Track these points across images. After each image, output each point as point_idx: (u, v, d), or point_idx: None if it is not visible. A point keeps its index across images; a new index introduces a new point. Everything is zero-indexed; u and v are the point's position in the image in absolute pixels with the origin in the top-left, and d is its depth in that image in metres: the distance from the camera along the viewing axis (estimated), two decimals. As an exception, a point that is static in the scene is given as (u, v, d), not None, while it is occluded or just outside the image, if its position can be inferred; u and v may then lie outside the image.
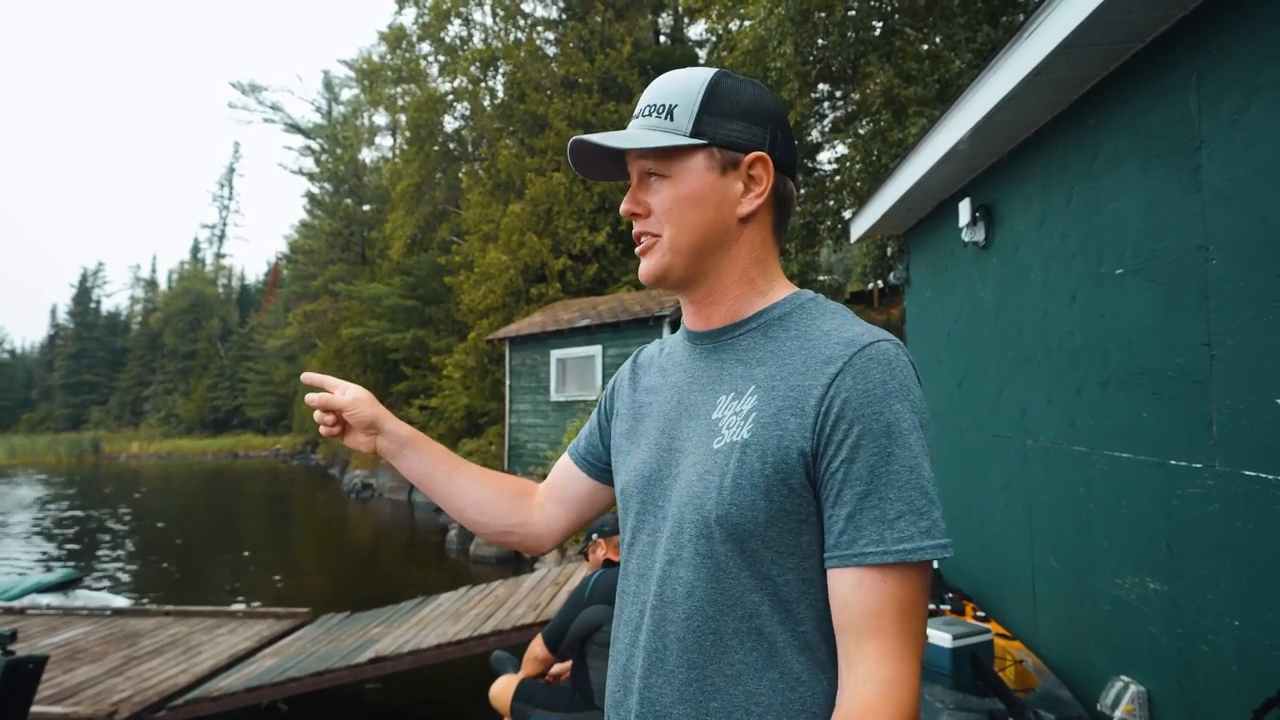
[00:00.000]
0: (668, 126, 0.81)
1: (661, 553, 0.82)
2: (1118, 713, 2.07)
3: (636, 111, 0.85)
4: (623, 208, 0.86)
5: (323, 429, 1.01)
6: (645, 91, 0.85)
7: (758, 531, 0.75)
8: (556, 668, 2.81)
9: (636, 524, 0.88)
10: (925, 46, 8.26)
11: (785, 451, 0.74)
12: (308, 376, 1.04)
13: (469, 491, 1.02)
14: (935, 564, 3.44)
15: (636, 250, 0.87)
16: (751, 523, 0.75)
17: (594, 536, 2.77)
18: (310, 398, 1.00)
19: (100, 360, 55.46)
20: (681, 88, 0.82)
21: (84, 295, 58.74)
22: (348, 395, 1.01)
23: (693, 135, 0.80)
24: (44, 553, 11.38)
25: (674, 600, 0.79)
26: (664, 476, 0.85)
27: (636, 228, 0.85)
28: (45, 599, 6.98)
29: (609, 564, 2.70)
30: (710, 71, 0.83)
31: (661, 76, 0.85)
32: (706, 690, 0.76)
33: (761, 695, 0.75)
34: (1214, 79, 1.80)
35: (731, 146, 0.81)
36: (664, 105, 0.82)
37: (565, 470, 1.06)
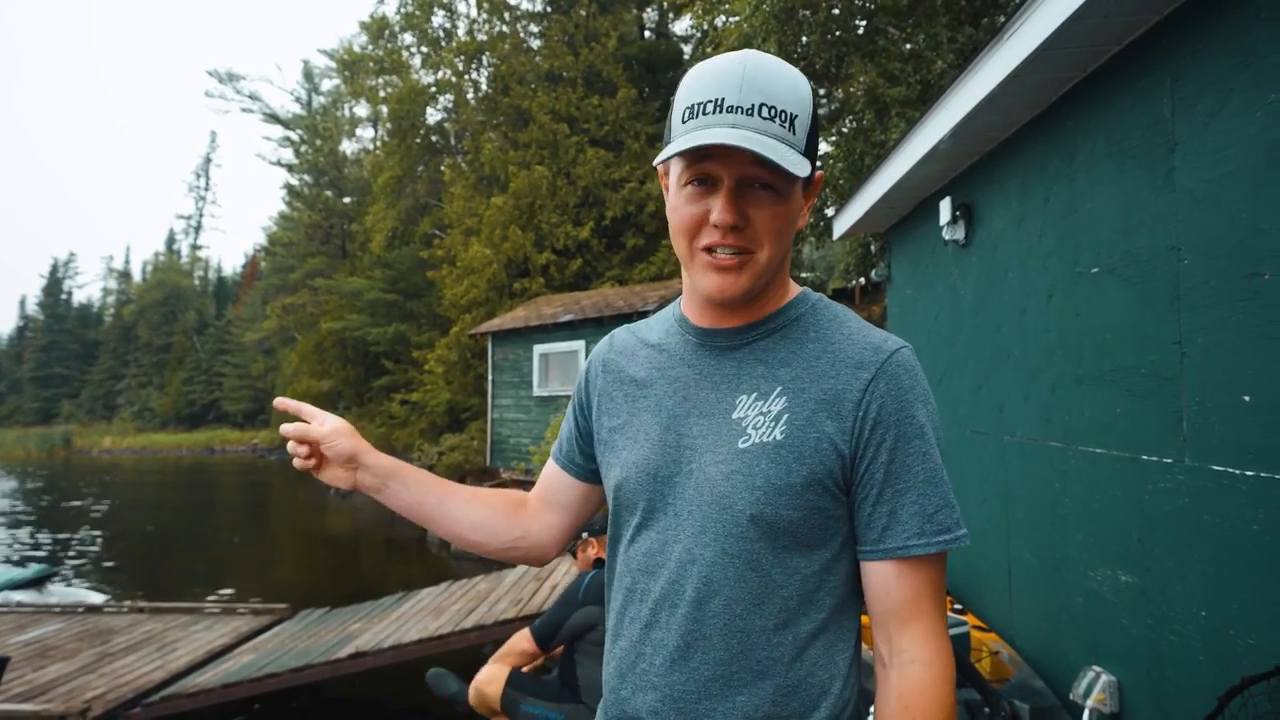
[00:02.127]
0: (791, 140, 0.75)
1: (680, 551, 0.81)
2: (1089, 702, 2.11)
3: (743, 103, 0.74)
4: (725, 217, 0.75)
5: (296, 462, 0.94)
6: (745, 76, 0.74)
7: (790, 529, 0.78)
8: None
9: (642, 521, 0.86)
10: (908, 46, 8.32)
11: (823, 453, 0.77)
12: (281, 402, 0.97)
13: (463, 514, 0.98)
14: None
15: (717, 262, 0.78)
16: (786, 520, 0.78)
17: (584, 535, 2.77)
18: (285, 428, 0.94)
19: (71, 353, 54.37)
20: (795, 95, 0.76)
21: (54, 286, 57.53)
22: (326, 426, 0.93)
23: (805, 154, 0.77)
24: (16, 548, 11.16)
25: (698, 598, 0.79)
26: (674, 474, 0.83)
27: (727, 239, 0.77)
28: (18, 595, 6.85)
29: (599, 563, 2.69)
30: (804, 78, 0.78)
31: (761, 62, 0.76)
32: (734, 685, 0.78)
33: (788, 687, 0.79)
34: (1188, 83, 1.83)
35: (815, 167, 0.81)
36: (786, 112, 0.75)
37: (554, 476, 1.03)
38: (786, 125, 0.74)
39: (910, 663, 0.77)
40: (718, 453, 0.80)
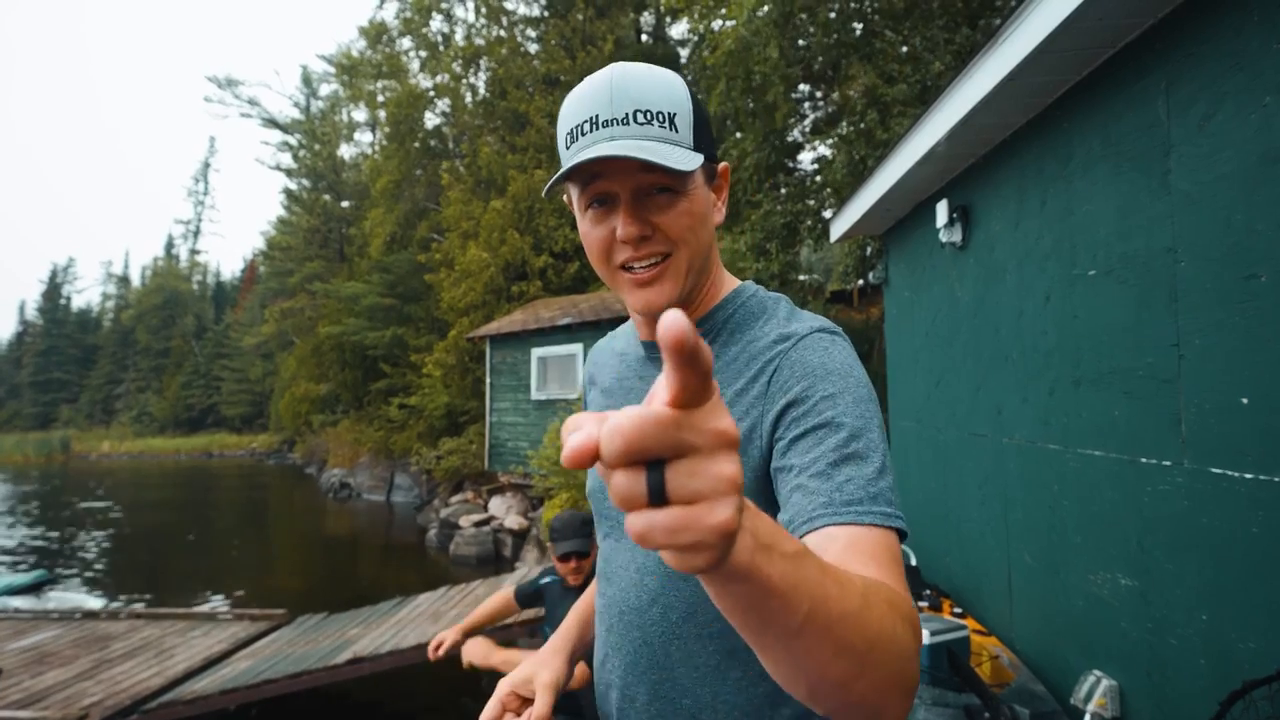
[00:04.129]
0: (675, 139, 0.75)
1: (626, 559, 0.85)
2: (1090, 706, 2.11)
3: (616, 114, 0.74)
4: (630, 230, 0.75)
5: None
6: (613, 88, 0.75)
7: None
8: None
9: (602, 528, 0.92)
10: (905, 48, 8.34)
11: (743, 454, 0.75)
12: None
13: None
14: (913, 561, 3.41)
15: (637, 278, 0.78)
16: None
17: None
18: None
19: (70, 358, 54.31)
20: (671, 94, 0.76)
21: (54, 291, 57.47)
22: (549, 694, 0.92)
23: (695, 148, 0.76)
24: (14, 554, 11.12)
25: (640, 606, 0.82)
26: None
27: (640, 251, 0.76)
28: (15, 601, 6.83)
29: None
30: (676, 75, 0.78)
31: (625, 71, 0.76)
32: (678, 689, 0.79)
33: (727, 694, 0.78)
34: (1182, 85, 1.83)
35: (712, 159, 0.81)
36: (663, 113, 0.74)
37: None
38: (666, 124, 0.74)
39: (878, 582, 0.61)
40: None
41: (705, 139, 0.78)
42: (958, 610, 3.13)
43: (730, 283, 0.87)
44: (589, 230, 0.79)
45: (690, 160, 0.73)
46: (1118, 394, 2.11)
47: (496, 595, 2.71)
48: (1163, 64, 1.91)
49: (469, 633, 2.58)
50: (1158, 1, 1.85)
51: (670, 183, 0.75)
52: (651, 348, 0.88)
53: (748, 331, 0.81)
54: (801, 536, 0.65)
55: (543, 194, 0.78)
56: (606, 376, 0.96)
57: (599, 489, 0.92)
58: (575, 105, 0.76)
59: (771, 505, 0.74)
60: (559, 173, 0.75)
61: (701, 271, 0.82)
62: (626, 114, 0.74)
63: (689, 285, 0.80)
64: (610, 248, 0.78)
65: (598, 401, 0.96)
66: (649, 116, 0.74)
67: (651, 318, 0.82)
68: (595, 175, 0.75)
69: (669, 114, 0.75)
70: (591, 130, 0.74)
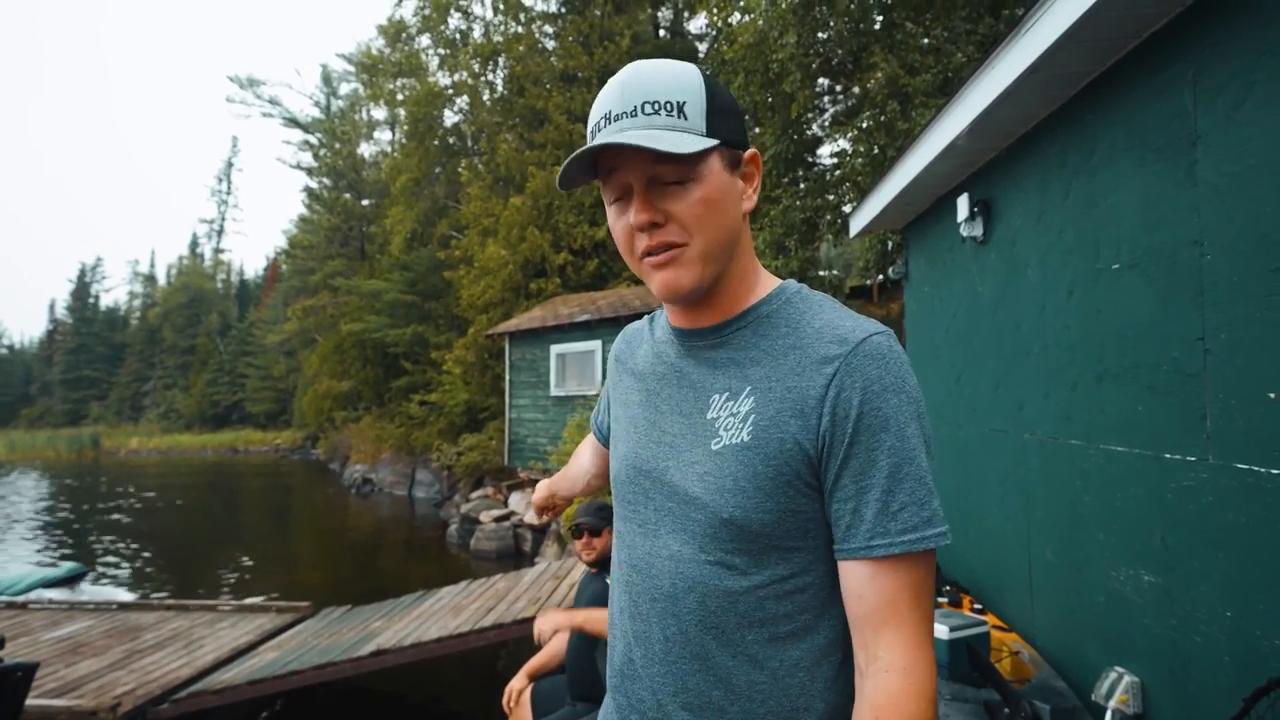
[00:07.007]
0: (684, 126, 0.76)
1: (660, 547, 0.84)
2: (1112, 703, 2.09)
3: (625, 108, 0.76)
4: (640, 218, 0.77)
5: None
6: (623, 84, 0.77)
7: (765, 531, 0.77)
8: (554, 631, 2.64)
9: (627, 514, 0.90)
10: (926, 40, 8.24)
11: (788, 454, 0.76)
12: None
13: (593, 484, 1.34)
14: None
15: (650, 262, 0.80)
16: (758, 524, 0.76)
17: (584, 535, 2.69)
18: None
19: (99, 355, 55.45)
20: (680, 83, 0.77)
21: (82, 290, 58.70)
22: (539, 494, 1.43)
23: (709, 134, 0.77)
24: (49, 548, 11.41)
25: (675, 594, 0.81)
26: (652, 471, 0.86)
27: (654, 239, 0.78)
28: (50, 593, 7.01)
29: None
30: (691, 67, 0.80)
31: (638, 68, 0.78)
32: (710, 679, 0.79)
33: (762, 684, 0.78)
34: (1210, 74, 1.81)
35: (734, 144, 0.81)
36: (670, 102, 0.76)
37: (592, 434, 1.25)
38: (674, 113, 0.76)
39: (884, 671, 0.72)
40: (694, 453, 0.82)
41: (725, 125, 0.79)
42: (978, 606, 3.11)
43: (770, 280, 0.88)
44: (613, 223, 0.83)
45: (691, 143, 0.74)
46: (1142, 389, 2.08)
47: (555, 639, 2.79)
48: (1190, 52, 1.88)
49: (533, 676, 2.68)
50: (1184, -10, 1.82)
51: (682, 173, 0.77)
52: (684, 334, 0.88)
53: (797, 324, 0.82)
54: (857, 559, 0.75)
55: (557, 187, 0.82)
56: (640, 361, 0.96)
57: (625, 475, 0.90)
58: (596, 106, 0.80)
59: (779, 500, 0.77)
60: (565, 161, 0.78)
61: (726, 259, 0.82)
62: (635, 106, 0.76)
63: (709, 273, 0.81)
64: (632, 238, 0.81)
65: (628, 384, 0.96)
66: (656, 106, 0.76)
67: (673, 303, 0.84)
68: (612, 169, 0.79)
69: (677, 102, 0.76)
70: (605, 125, 0.78)
